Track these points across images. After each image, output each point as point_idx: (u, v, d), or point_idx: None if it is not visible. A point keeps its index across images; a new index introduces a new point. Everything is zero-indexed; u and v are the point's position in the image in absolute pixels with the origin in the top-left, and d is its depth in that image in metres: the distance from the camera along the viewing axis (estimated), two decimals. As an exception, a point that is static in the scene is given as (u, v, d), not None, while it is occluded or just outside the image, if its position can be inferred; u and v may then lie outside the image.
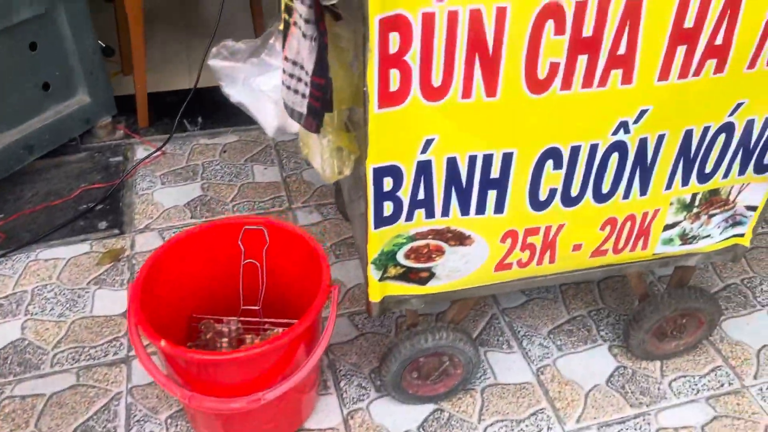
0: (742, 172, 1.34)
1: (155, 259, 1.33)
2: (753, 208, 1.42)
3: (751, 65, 1.15)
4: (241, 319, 1.47)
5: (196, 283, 1.43)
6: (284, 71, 1.09)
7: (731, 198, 1.39)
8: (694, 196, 1.35)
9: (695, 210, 1.38)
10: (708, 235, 1.45)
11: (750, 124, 1.26)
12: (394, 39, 0.99)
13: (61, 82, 2.13)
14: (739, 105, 1.22)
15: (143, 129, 2.38)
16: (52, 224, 1.98)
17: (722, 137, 1.27)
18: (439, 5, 0.97)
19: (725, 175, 1.33)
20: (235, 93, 1.47)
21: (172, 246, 1.37)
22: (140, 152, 2.29)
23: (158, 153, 2.26)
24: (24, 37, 1.96)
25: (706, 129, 1.24)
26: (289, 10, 1.01)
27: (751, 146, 1.30)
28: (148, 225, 1.99)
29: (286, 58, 1.07)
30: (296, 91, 1.09)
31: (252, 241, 1.43)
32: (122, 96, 2.45)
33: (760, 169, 1.34)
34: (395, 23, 0.97)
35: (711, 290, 1.85)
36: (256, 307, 1.47)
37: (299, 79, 1.08)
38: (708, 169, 1.31)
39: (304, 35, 1.01)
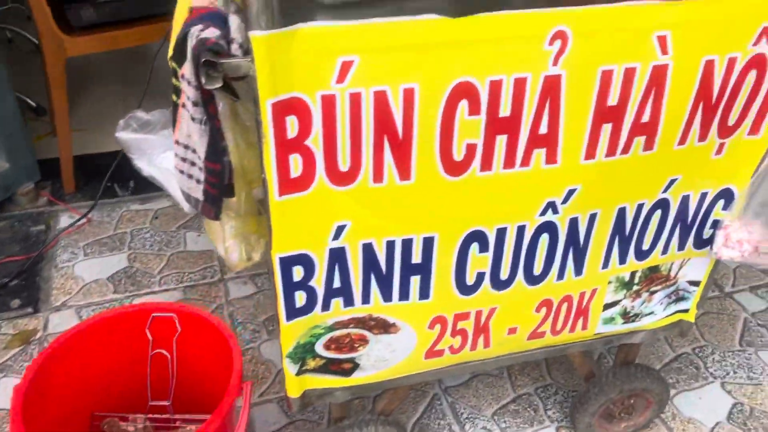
0: (681, 247, 1.27)
1: (48, 355, 1.20)
2: (696, 283, 1.35)
3: (682, 142, 1.09)
4: (149, 416, 1.33)
5: (99, 377, 1.30)
6: (176, 155, 0.99)
7: (672, 274, 1.32)
8: (633, 273, 1.28)
9: (635, 288, 1.30)
10: (651, 312, 1.37)
11: (685, 200, 1.20)
12: (292, 123, 0.90)
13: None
14: (672, 181, 1.15)
15: (69, 195, 2.25)
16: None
17: (658, 214, 1.20)
18: (339, 87, 0.89)
19: (664, 252, 1.26)
20: (145, 166, 1.37)
21: (69, 339, 1.24)
22: (64, 220, 2.15)
23: (83, 221, 2.12)
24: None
25: (640, 206, 1.17)
26: (177, 91, 0.92)
27: (689, 221, 1.23)
28: (65, 302, 1.85)
29: (177, 142, 0.97)
30: (190, 176, 0.99)
31: (161, 329, 1.31)
32: (52, 159, 2.32)
33: (699, 244, 1.27)
34: (291, 107, 0.89)
35: (662, 360, 1.76)
36: (166, 402, 1.34)
37: (192, 164, 0.98)
38: (645, 246, 1.24)
39: (193, 118, 0.92)
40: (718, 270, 1.35)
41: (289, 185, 0.95)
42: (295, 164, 0.94)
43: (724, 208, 1.23)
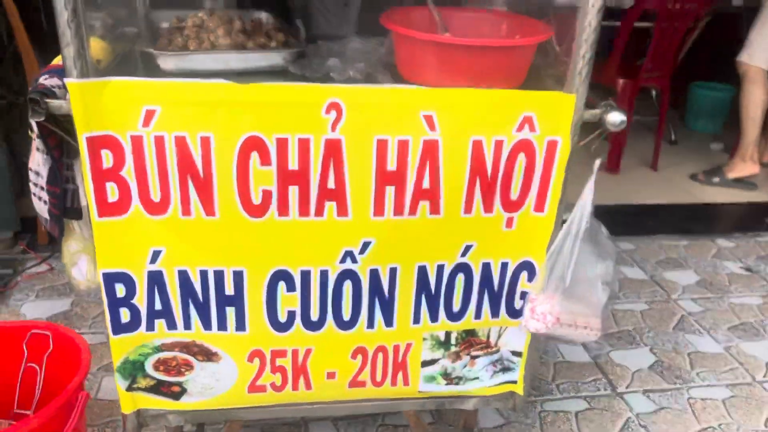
0: (495, 314, 1.39)
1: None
2: (518, 354, 1.45)
3: (467, 210, 1.25)
4: (12, 422, 1.49)
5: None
6: (30, 181, 1.22)
7: (492, 341, 1.42)
8: (448, 333, 1.39)
9: (453, 348, 1.41)
10: (476, 378, 1.46)
11: (487, 267, 1.33)
12: (107, 156, 1.13)
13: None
14: (468, 247, 1.30)
15: (42, 246, 2.53)
16: None
17: (461, 277, 1.33)
18: (145, 130, 1.11)
19: (477, 316, 1.38)
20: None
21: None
22: (33, 268, 2.41)
23: (45, 269, 2.38)
24: None
25: (441, 267, 1.31)
26: (31, 127, 1.17)
27: (496, 289, 1.36)
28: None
29: (30, 169, 1.21)
30: (39, 198, 1.22)
31: (36, 345, 1.49)
32: (33, 217, 2.62)
33: (512, 313, 1.39)
34: (106, 142, 1.11)
35: (535, 448, 1.80)
36: (29, 412, 1.49)
37: (42, 188, 1.21)
38: (456, 307, 1.36)
39: (38, 148, 1.16)
40: (607, 370, 1.45)
41: (107, 209, 1.16)
42: (112, 191, 1.15)
43: (529, 280, 1.35)
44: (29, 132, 1.20)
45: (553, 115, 1.20)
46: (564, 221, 1.30)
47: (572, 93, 1.19)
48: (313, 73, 1.28)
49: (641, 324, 2.29)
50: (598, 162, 1.27)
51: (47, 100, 1.07)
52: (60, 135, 1.14)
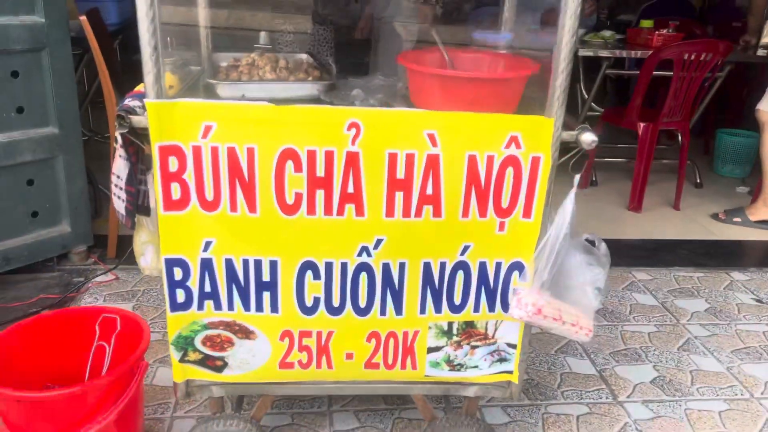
0: (491, 308, 1.60)
1: (10, 331, 1.70)
2: (513, 346, 1.65)
3: (465, 215, 1.49)
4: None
5: (51, 357, 1.77)
6: (112, 182, 1.53)
7: (490, 333, 1.64)
8: (450, 324, 1.61)
9: (455, 338, 1.63)
10: (476, 366, 1.67)
11: (483, 265, 1.56)
12: (173, 161, 1.42)
13: (49, 213, 2.69)
14: (467, 247, 1.54)
15: (110, 260, 2.86)
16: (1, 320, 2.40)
17: (461, 274, 1.56)
18: (203, 141, 1.41)
19: (476, 309, 1.60)
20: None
21: (30, 324, 1.74)
22: (101, 277, 2.74)
23: (112, 278, 2.71)
24: (23, 174, 2.56)
25: (443, 264, 1.55)
26: (116, 138, 1.48)
27: (492, 286, 1.58)
28: (74, 329, 2.37)
29: (113, 173, 1.52)
30: (119, 197, 1.52)
31: (105, 327, 1.78)
32: (104, 235, 2.98)
33: (507, 308, 1.60)
34: (173, 150, 1.41)
35: (541, 447, 1.97)
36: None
37: (121, 189, 1.51)
38: (457, 300, 1.59)
39: (120, 155, 1.47)
40: (611, 382, 1.63)
41: (171, 204, 1.45)
42: (175, 190, 1.44)
43: (520, 278, 1.57)
44: (114, 143, 1.51)
45: (536, 135, 1.44)
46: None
47: (551, 117, 1.43)
48: (341, 101, 1.56)
49: (648, 343, 2.44)
50: (577, 177, 1.50)
51: (130, 117, 1.38)
52: (138, 145, 1.45)
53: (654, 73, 3.52)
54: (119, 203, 1.53)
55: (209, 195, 1.45)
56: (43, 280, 2.72)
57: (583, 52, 3.78)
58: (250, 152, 1.42)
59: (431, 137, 1.43)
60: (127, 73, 2.36)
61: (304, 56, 1.91)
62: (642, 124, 3.55)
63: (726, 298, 2.81)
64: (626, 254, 3.04)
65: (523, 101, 1.54)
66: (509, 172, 1.47)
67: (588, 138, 1.44)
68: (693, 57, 3.41)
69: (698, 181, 4.19)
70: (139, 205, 1.52)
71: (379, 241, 1.51)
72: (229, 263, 1.52)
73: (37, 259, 2.73)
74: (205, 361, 1.62)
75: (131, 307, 2.53)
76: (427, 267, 1.55)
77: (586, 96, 4.20)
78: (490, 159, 1.45)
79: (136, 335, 1.73)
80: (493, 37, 1.81)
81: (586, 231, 1.63)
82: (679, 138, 3.98)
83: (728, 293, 2.86)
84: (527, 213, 1.51)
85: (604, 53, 3.87)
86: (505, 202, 1.50)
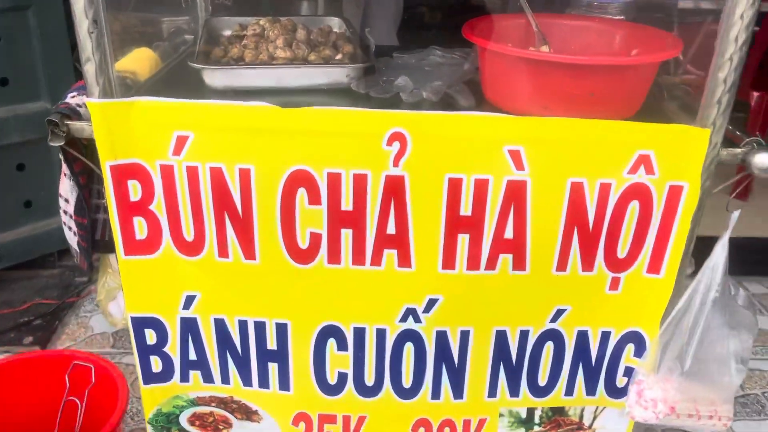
0: (591, 392, 1.13)
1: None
2: (617, 440, 1.18)
3: (561, 267, 1.01)
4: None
5: (13, 412, 1.39)
6: (60, 208, 1.10)
7: (586, 422, 1.17)
8: (530, 410, 1.15)
9: (537, 428, 1.16)
10: (564, 464, 1.21)
11: (583, 336, 1.08)
12: (135, 187, 0.97)
13: (44, 202, 2.30)
14: (560, 312, 1.05)
15: (118, 255, 2.49)
16: (-13, 331, 2.05)
17: (550, 346, 1.09)
18: (176, 159, 0.95)
19: (568, 392, 1.13)
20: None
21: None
22: (105, 277, 2.37)
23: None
24: (12, 158, 2.17)
25: (525, 333, 1.07)
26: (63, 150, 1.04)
27: (594, 362, 1.10)
28: (69, 347, 2.01)
29: (60, 195, 1.09)
30: (69, 228, 1.09)
31: (78, 377, 1.38)
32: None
33: (614, 392, 1.12)
34: (133, 171, 0.96)
35: None
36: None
37: (70, 216, 1.08)
38: (542, 381, 1.12)
39: (65, 174, 1.03)
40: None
41: (135, 246, 1.01)
42: (140, 227, 1.00)
43: (637, 354, 1.09)
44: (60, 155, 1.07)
45: (679, 154, 0.93)
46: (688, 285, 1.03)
47: (706, 127, 0.92)
48: (380, 93, 1.07)
49: (772, 389, 1.92)
50: (735, 215, 1.00)
51: (68, 122, 0.94)
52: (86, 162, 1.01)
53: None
54: (70, 236, 1.10)
55: (188, 234, 1.01)
56: (42, 278, 2.36)
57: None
58: (245, 175, 0.96)
59: (515, 156, 0.94)
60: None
61: (335, 21, 1.41)
62: (756, 94, 2.93)
63: None
64: (732, 258, 2.49)
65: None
66: (633, 207, 0.97)
67: (765, 161, 0.92)
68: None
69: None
70: (96, 240, 1.08)
71: (432, 302, 1.04)
72: (220, 325, 1.08)
73: (33, 256, 2.36)
74: (195, 444, 1.21)
75: (136, 318, 2.15)
76: (501, 337, 1.08)
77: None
78: (605, 189, 0.95)
79: (111, 393, 1.33)
80: (603, -4, 1.27)
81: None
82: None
83: None
84: (655, 266, 1.01)
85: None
86: (622, 251, 1.00)
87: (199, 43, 1.19)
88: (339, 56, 1.18)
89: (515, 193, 0.95)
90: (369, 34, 1.19)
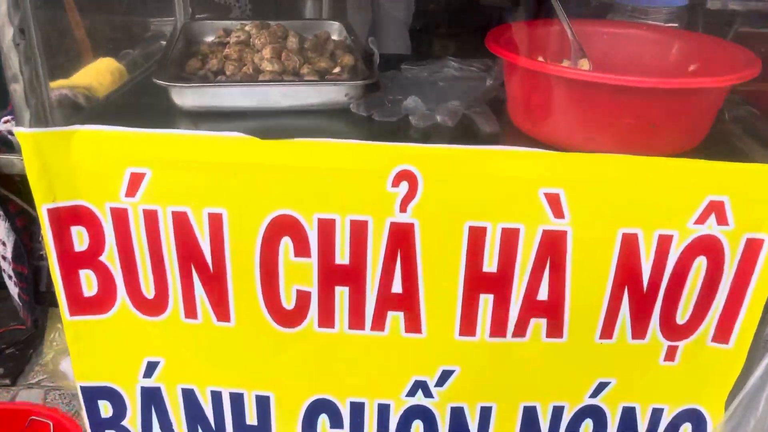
0: (639, 478, 0.94)
1: None
2: None
3: (607, 335, 0.82)
4: None
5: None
6: (-2, 252, 0.91)
7: None
8: (564, 497, 0.96)
9: None
10: None
11: (629, 414, 0.89)
12: (80, 234, 0.79)
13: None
14: (603, 385, 0.86)
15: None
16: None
17: (588, 425, 0.90)
18: (130, 201, 0.77)
19: (612, 478, 0.94)
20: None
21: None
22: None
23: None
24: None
25: (559, 410, 0.88)
26: (-3, 184, 0.86)
27: (642, 444, 0.91)
28: (39, 381, 1.82)
29: (-4, 238, 0.90)
30: (10, 277, 0.91)
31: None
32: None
33: (664, 477, 0.93)
34: (77, 216, 0.78)
35: None
36: None
37: (9, 263, 0.89)
38: (580, 464, 0.93)
39: (0, 215, 0.84)
40: None
41: (82, 305, 0.83)
42: (89, 282, 0.81)
43: (695, 436, 0.90)
44: None
45: (760, 200, 0.74)
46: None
47: (798, 167, 0.73)
48: (385, 116, 0.88)
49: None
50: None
51: (-6, 156, 0.75)
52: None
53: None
54: (10, 285, 0.92)
55: (147, 291, 0.82)
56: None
57: None
58: (215, 222, 0.77)
59: (553, 201, 0.75)
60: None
61: (335, 25, 1.22)
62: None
63: None
64: None
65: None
66: (699, 264, 0.77)
67: None
68: None
69: None
70: (41, 292, 0.90)
71: (446, 374, 0.85)
72: (189, 396, 0.89)
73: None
74: None
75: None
76: (529, 414, 0.89)
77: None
78: (665, 242, 0.76)
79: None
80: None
81: None
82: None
83: None
84: (723, 335, 0.82)
85: None
86: (682, 316, 0.81)
87: (170, 52, 1.00)
88: (337, 69, 0.99)
89: (552, 246, 0.76)
90: (373, 43, 0.99)
